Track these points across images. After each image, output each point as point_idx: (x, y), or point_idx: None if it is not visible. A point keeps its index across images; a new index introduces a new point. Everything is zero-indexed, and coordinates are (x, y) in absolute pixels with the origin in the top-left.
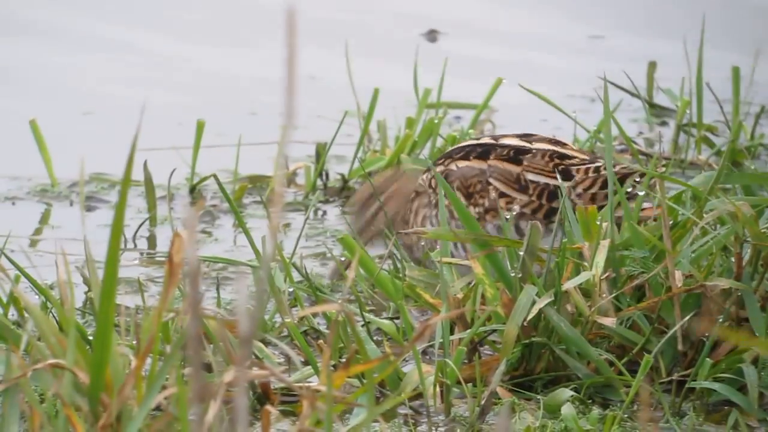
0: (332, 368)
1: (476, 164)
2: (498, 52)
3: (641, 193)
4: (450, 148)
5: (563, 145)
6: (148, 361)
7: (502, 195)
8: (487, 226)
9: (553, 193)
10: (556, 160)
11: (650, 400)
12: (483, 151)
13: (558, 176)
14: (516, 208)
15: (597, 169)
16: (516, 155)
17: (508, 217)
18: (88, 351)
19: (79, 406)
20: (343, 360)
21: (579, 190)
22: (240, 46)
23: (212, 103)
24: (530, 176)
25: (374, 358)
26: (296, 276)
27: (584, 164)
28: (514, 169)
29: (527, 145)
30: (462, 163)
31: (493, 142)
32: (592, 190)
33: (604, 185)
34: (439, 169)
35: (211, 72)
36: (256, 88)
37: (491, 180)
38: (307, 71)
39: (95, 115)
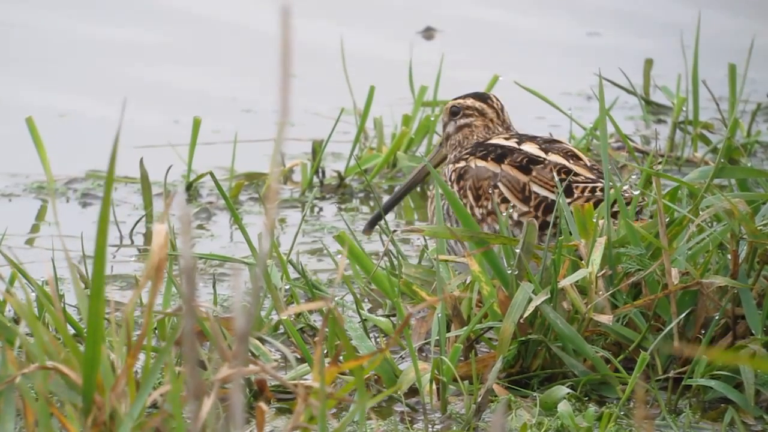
0: (327, 364)
1: (491, 166)
2: (494, 49)
3: (637, 192)
4: (476, 144)
5: (578, 159)
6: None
7: (505, 201)
8: (487, 228)
9: (550, 207)
10: (563, 175)
11: (646, 398)
12: (501, 154)
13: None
14: (514, 215)
15: (594, 189)
16: (528, 164)
17: (504, 214)
18: (80, 349)
19: (73, 404)
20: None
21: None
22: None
23: (209, 100)
24: (535, 188)
25: (364, 353)
26: (293, 273)
27: (586, 183)
28: (522, 177)
29: (542, 155)
30: (480, 163)
31: (514, 145)
32: None
33: (597, 204)
34: (462, 164)
35: (208, 69)
36: (252, 85)
37: (499, 185)
38: (303, 68)
39: (91, 112)
